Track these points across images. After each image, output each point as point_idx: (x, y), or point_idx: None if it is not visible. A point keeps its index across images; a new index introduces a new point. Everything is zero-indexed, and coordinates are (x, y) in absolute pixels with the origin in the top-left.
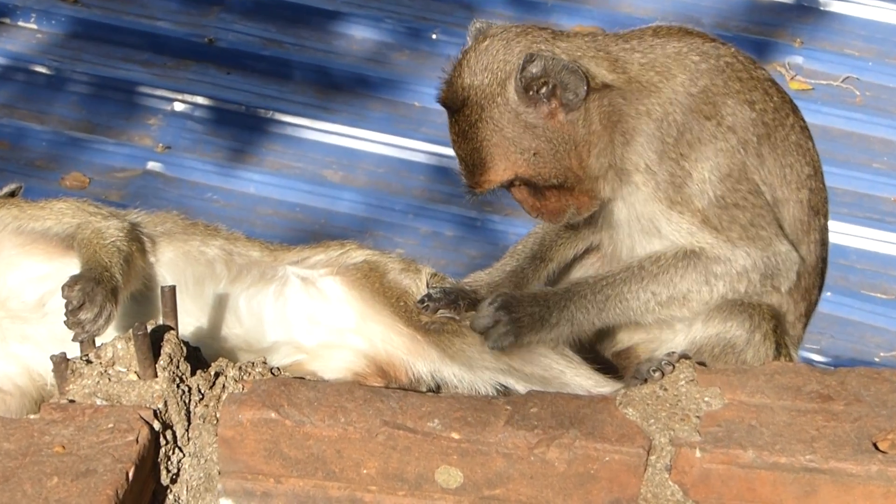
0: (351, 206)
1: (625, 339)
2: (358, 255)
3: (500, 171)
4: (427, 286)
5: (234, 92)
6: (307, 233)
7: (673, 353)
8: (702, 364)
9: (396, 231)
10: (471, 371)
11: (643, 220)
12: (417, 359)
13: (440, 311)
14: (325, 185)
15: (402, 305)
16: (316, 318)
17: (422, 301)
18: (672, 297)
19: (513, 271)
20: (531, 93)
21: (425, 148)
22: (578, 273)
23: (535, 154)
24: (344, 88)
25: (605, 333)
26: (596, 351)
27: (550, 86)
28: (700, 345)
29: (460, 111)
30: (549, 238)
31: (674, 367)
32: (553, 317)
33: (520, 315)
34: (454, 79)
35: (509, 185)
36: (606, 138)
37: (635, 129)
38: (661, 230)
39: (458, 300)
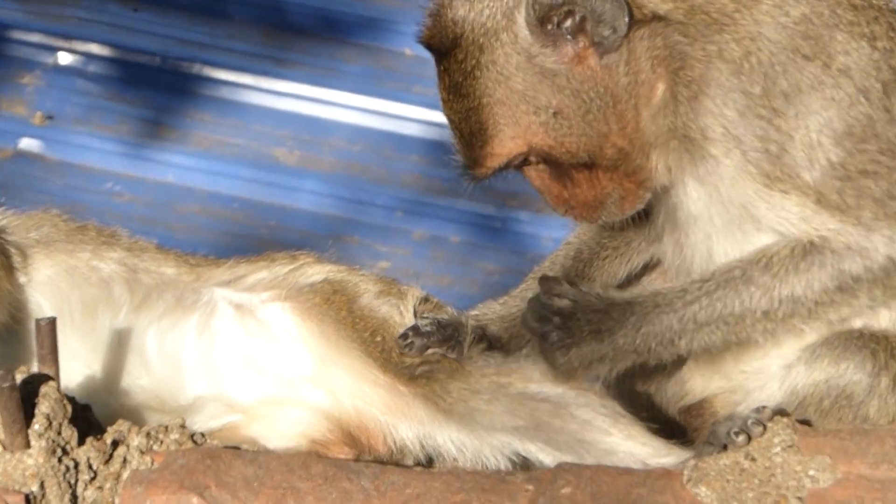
0: (313, 201)
1: (696, 388)
2: (316, 271)
3: (506, 142)
4: (414, 315)
5: (145, 37)
6: (248, 240)
7: (763, 407)
8: (805, 423)
9: (378, 236)
10: (476, 434)
11: (732, 209)
12: (400, 419)
13: (431, 349)
14: (275, 171)
15: (379, 343)
16: (256, 362)
17: (404, 336)
18: (793, 312)
19: None
20: (549, 27)
21: (420, 115)
22: None
23: (555, 115)
24: (304, 32)
25: (668, 379)
26: (654, 405)
27: (577, 17)
28: (803, 395)
29: (451, 55)
30: (588, 250)
31: (765, 427)
32: (619, 334)
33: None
34: (442, 10)
35: (522, 162)
36: (664, 92)
37: (704, 79)
38: (761, 220)
39: (458, 336)
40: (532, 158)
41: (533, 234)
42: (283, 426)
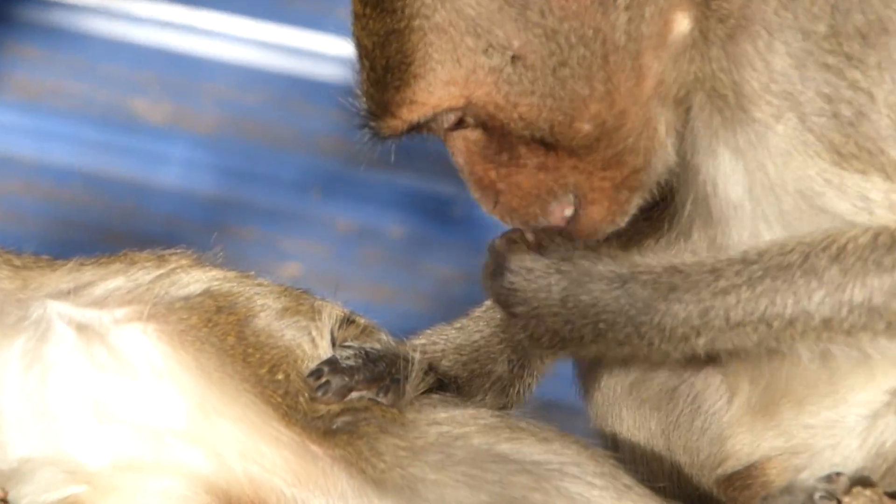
0: (187, 176)
1: (742, 448)
2: (193, 279)
3: (436, 88)
4: (332, 343)
5: None
6: (94, 232)
7: (837, 474)
8: None
9: (284, 227)
10: None
11: (786, 197)
12: (313, 492)
13: (355, 392)
14: (132, 131)
15: (282, 383)
16: (108, 408)
17: (317, 373)
18: (864, 325)
19: None
20: None
21: (345, 50)
22: None
23: (514, 60)
24: None
25: (701, 436)
26: (680, 472)
27: None
28: (894, 457)
29: None
30: None
31: (839, 502)
32: (606, 319)
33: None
34: None
35: (453, 123)
36: (692, 29)
37: (744, 12)
38: (828, 211)
39: (394, 374)
40: (468, 119)
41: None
42: (146, 501)
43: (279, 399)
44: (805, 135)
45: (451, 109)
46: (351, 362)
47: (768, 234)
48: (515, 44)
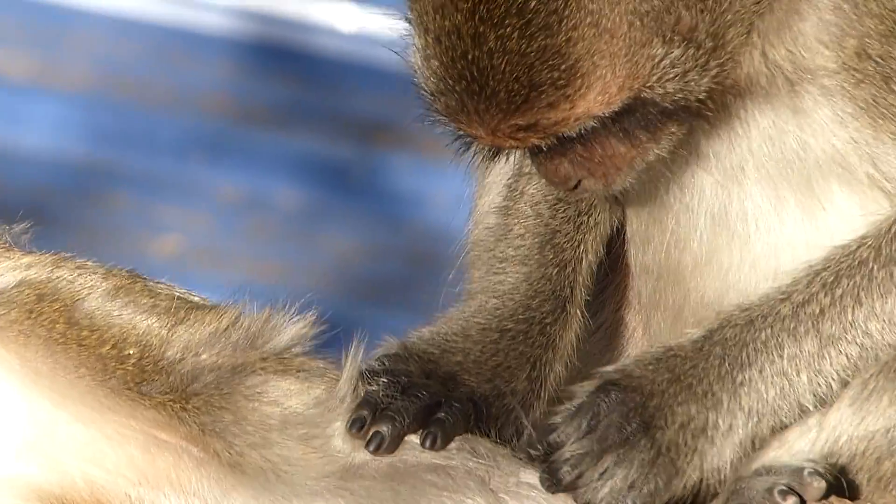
0: (51, 138)
1: None
2: (5, 269)
3: (605, 95)
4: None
5: None
6: None
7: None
8: (851, 499)
9: (161, 193)
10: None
11: (814, 162)
12: (163, 489)
13: (407, 434)
14: None
15: (132, 356)
16: None
17: (359, 422)
18: None
19: (509, 322)
20: None
21: (229, 2)
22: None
23: (685, 42)
24: None
25: None
26: None
27: None
28: (849, 454)
29: None
30: (568, 243)
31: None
32: (724, 407)
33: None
34: None
35: (604, 123)
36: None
37: None
38: (859, 177)
39: (438, 409)
40: (625, 113)
41: (416, 188)
42: None
43: (130, 367)
44: (845, 98)
45: (617, 110)
46: (394, 402)
47: (773, 192)
48: (686, 24)
